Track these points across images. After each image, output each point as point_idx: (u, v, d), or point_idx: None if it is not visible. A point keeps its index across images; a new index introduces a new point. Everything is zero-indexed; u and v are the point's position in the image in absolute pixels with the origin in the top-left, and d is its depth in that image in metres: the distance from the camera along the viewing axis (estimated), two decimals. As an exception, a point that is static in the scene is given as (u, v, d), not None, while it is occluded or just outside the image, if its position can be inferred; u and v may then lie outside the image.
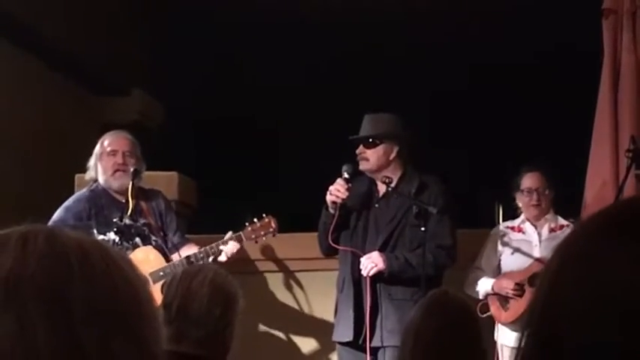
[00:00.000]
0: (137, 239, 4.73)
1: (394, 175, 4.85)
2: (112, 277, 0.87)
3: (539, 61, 8.42)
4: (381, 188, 4.85)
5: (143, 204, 4.82)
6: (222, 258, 4.62)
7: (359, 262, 4.68)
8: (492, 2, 7.81)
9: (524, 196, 5.08)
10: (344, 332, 4.72)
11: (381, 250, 4.68)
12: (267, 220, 4.77)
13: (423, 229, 4.61)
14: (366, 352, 4.64)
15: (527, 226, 5.11)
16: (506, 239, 5.09)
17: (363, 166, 4.81)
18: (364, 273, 4.62)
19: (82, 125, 8.19)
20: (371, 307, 4.60)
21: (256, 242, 4.90)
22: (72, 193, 5.78)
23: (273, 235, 4.83)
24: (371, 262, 4.60)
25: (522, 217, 5.16)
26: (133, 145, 4.91)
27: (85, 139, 8.30)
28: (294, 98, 8.80)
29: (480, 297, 4.99)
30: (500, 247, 5.09)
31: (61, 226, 0.79)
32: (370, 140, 4.80)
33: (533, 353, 0.83)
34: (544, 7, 7.68)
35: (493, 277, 5.03)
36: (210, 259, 4.61)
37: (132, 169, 4.80)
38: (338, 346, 4.89)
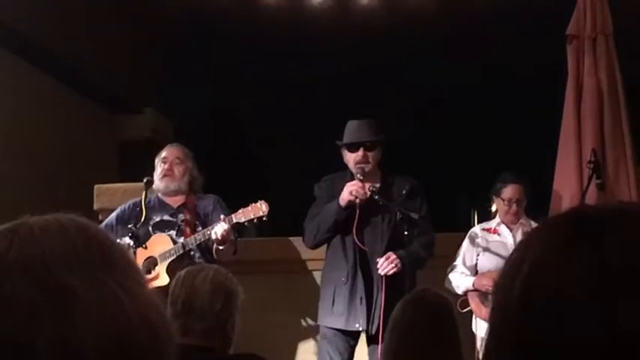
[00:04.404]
0: (172, 232, 4.80)
1: (376, 176, 4.85)
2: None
3: (511, 80, 8.49)
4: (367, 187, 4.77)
5: (191, 205, 4.89)
6: (213, 236, 4.55)
7: (364, 257, 4.67)
8: (470, 22, 7.87)
9: (504, 205, 5.03)
10: (353, 321, 4.65)
11: (388, 246, 4.65)
12: (258, 204, 4.57)
13: (406, 233, 4.63)
14: (357, 339, 4.77)
15: (503, 229, 5.08)
16: (483, 240, 5.06)
17: (366, 168, 4.75)
18: (382, 272, 4.56)
19: (100, 141, 8.26)
20: (385, 301, 4.52)
21: (246, 225, 4.63)
22: (92, 202, 5.82)
23: (265, 219, 4.56)
24: (391, 263, 4.56)
25: (498, 219, 5.13)
26: (183, 154, 4.99)
27: (103, 154, 8.38)
28: (295, 112, 8.85)
29: (460, 293, 4.99)
30: (477, 248, 5.06)
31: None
32: (370, 144, 4.78)
33: (507, 354, 0.84)
34: (519, 33, 7.75)
35: (471, 274, 5.03)
36: (205, 236, 4.60)
37: (145, 180, 4.88)
38: (328, 330, 4.80)
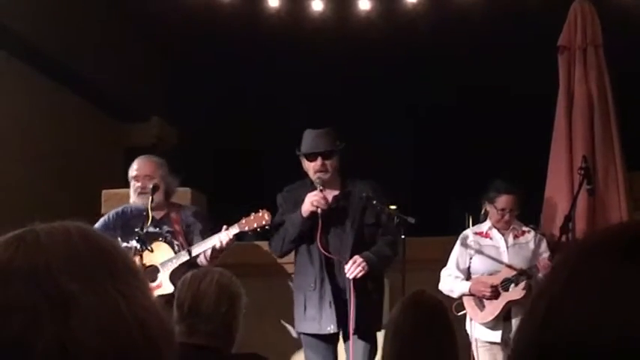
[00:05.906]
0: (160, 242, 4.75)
1: (335, 183, 4.84)
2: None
3: (504, 89, 8.49)
4: (327, 194, 4.75)
5: (174, 215, 4.85)
6: (217, 245, 4.54)
7: (330, 263, 4.66)
8: (467, 32, 7.87)
9: (498, 213, 5.00)
10: (325, 324, 4.64)
11: (353, 250, 4.64)
12: (260, 213, 4.60)
13: (403, 237, 4.61)
14: (336, 341, 4.74)
15: (495, 233, 5.04)
16: (475, 244, 5.02)
17: (324, 177, 4.74)
18: (350, 276, 4.55)
19: (108, 147, 8.25)
20: (355, 303, 4.54)
21: (250, 233, 4.69)
22: (99, 207, 5.81)
23: (267, 228, 4.62)
24: (358, 266, 4.56)
25: (489, 223, 5.08)
26: (153, 168, 4.88)
27: (110, 160, 8.38)
28: (294, 120, 8.81)
29: (455, 296, 4.96)
30: (470, 251, 5.02)
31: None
32: (327, 153, 4.77)
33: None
34: (513, 43, 7.75)
35: (465, 277, 5.01)
36: (209, 245, 4.57)
37: (150, 186, 4.83)
38: (305, 337, 4.79)
